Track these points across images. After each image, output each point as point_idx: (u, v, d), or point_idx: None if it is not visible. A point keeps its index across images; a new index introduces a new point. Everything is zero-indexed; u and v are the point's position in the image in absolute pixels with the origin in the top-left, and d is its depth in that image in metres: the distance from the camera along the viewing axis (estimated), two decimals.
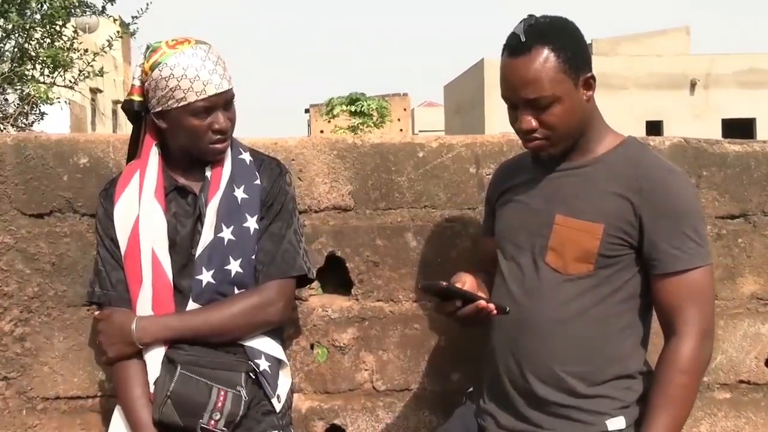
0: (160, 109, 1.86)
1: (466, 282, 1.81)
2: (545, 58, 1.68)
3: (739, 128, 22.68)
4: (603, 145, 1.80)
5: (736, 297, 2.53)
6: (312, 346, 2.37)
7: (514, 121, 1.77)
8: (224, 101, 1.86)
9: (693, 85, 24.47)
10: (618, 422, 1.74)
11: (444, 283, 1.77)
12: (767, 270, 2.54)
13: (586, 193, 1.76)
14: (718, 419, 2.53)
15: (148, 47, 1.89)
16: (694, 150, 2.50)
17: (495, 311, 1.74)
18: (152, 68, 1.84)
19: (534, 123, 1.73)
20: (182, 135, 1.88)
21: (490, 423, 1.85)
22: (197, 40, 1.88)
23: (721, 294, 2.52)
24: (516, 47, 1.70)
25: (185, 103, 1.82)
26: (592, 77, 1.76)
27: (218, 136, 1.87)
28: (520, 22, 1.72)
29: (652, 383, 1.74)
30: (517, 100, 1.73)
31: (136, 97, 1.92)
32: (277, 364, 1.94)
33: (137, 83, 1.91)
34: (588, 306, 1.75)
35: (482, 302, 1.74)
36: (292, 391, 2.01)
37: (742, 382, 2.54)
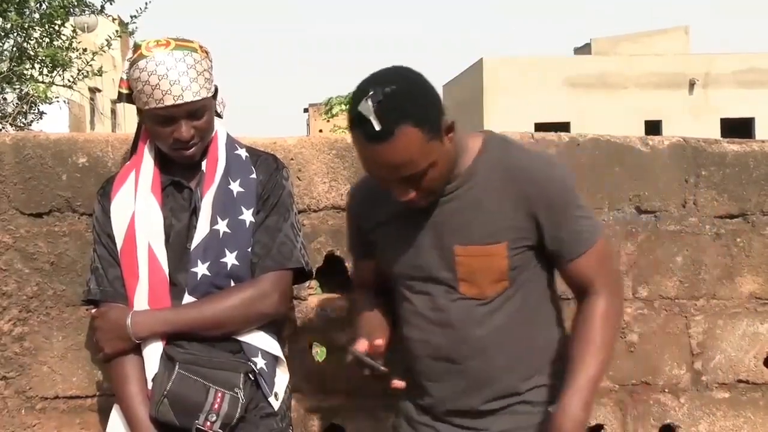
0: (137, 106, 1.89)
1: (378, 339, 1.72)
2: (410, 138, 1.57)
3: (738, 128, 22.68)
4: (467, 157, 1.75)
5: (735, 296, 2.54)
6: (311, 346, 2.37)
7: (387, 187, 1.69)
8: (186, 112, 1.83)
9: (692, 84, 24.46)
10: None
11: (361, 357, 1.70)
12: (766, 269, 2.54)
13: (475, 216, 1.73)
14: (716, 419, 2.53)
15: (134, 44, 1.91)
16: (693, 150, 2.50)
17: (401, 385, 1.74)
18: (130, 66, 1.87)
19: (413, 193, 1.66)
20: (152, 135, 1.91)
21: (428, 429, 1.85)
22: (179, 43, 1.86)
23: (719, 293, 2.53)
24: (376, 134, 1.56)
25: (147, 107, 1.84)
26: (451, 122, 1.66)
27: (178, 145, 1.87)
28: (365, 99, 1.56)
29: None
30: (391, 179, 1.65)
31: (124, 90, 1.94)
32: (273, 360, 1.94)
33: (124, 76, 1.93)
34: (514, 314, 1.77)
35: (396, 383, 1.72)
36: (290, 389, 2.01)
37: (740, 381, 2.55)
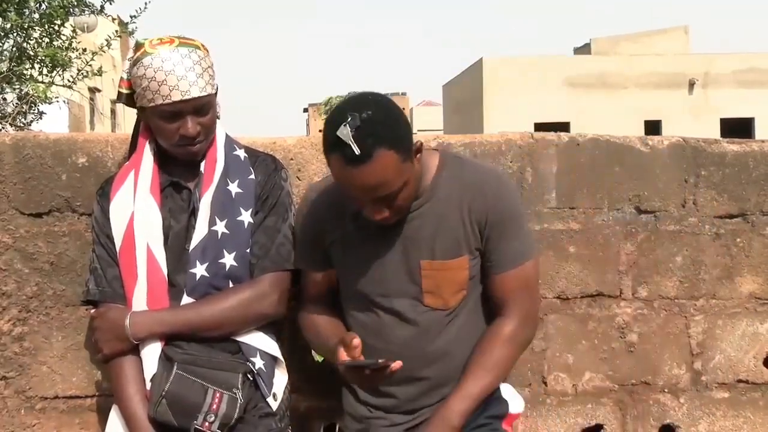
0: (139, 105, 1.89)
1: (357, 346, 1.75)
2: (387, 160, 1.66)
3: (737, 128, 22.68)
4: (429, 172, 1.86)
5: (735, 296, 2.54)
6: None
7: (361, 206, 1.78)
8: (193, 108, 1.85)
9: (692, 84, 24.46)
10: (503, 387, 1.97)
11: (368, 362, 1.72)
12: (765, 269, 2.54)
13: (438, 231, 1.84)
14: (716, 419, 2.53)
15: (136, 43, 1.91)
16: (692, 149, 2.50)
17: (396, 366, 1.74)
18: (133, 65, 1.86)
19: (387, 212, 1.75)
20: (156, 133, 1.91)
21: (382, 422, 1.92)
22: (183, 40, 1.87)
23: (719, 293, 2.53)
24: (356, 158, 1.65)
25: (153, 104, 1.84)
26: (419, 144, 1.77)
27: (184, 141, 1.87)
28: (344, 125, 1.65)
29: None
30: (367, 200, 1.74)
31: (124, 90, 1.94)
32: (272, 361, 1.94)
33: (125, 76, 1.93)
34: (468, 319, 1.90)
35: (395, 365, 1.71)
36: (288, 389, 2.01)
37: (740, 381, 2.55)
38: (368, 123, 1.65)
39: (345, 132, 1.64)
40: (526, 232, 1.91)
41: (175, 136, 1.86)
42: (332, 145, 1.68)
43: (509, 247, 1.86)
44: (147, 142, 1.96)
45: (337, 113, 1.68)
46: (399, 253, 1.85)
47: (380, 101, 1.72)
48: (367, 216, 1.78)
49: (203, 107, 1.86)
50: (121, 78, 1.95)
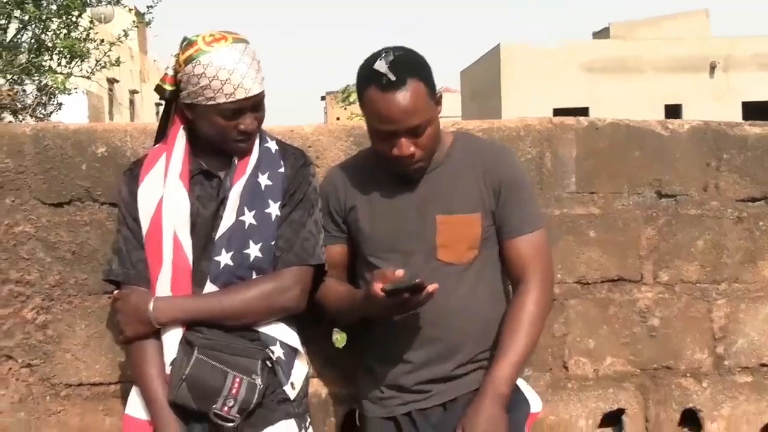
0: (189, 102, 1.88)
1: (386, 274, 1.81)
2: (418, 88, 1.83)
3: (759, 111, 22.39)
4: (444, 144, 1.99)
5: (758, 280, 2.51)
6: (332, 332, 2.38)
7: (389, 150, 1.88)
8: (253, 103, 1.87)
9: (713, 67, 24.16)
10: None
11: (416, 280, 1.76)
12: None
13: (454, 190, 1.95)
14: (739, 402, 2.52)
15: (184, 40, 1.90)
16: (714, 133, 2.48)
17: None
18: (186, 62, 1.86)
19: (413, 148, 1.86)
20: (208, 129, 1.91)
21: (396, 401, 1.98)
22: (235, 37, 1.88)
23: (742, 277, 2.51)
24: (391, 83, 1.81)
25: (214, 102, 1.84)
26: (440, 94, 1.93)
27: (242, 137, 1.90)
28: (379, 59, 1.83)
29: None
30: (398, 130, 1.85)
31: (168, 86, 1.94)
32: (292, 352, 1.95)
33: (171, 72, 1.93)
34: (481, 283, 1.96)
35: (431, 287, 1.77)
36: (307, 378, 2.02)
37: (763, 365, 2.53)
38: (402, 57, 1.84)
39: (381, 64, 1.82)
40: (535, 202, 2.02)
41: (233, 132, 1.88)
42: (368, 77, 1.84)
43: (524, 213, 1.96)
44: (180, 130, 1.96)
45: (372, 55, 1.86)
46: (415, 212, 1.95)
47: (410, 48, 1.90)
48: (396, 157, 1.86)
49: (260, 103, 1.90)
50: (166, 74, 1.94)
